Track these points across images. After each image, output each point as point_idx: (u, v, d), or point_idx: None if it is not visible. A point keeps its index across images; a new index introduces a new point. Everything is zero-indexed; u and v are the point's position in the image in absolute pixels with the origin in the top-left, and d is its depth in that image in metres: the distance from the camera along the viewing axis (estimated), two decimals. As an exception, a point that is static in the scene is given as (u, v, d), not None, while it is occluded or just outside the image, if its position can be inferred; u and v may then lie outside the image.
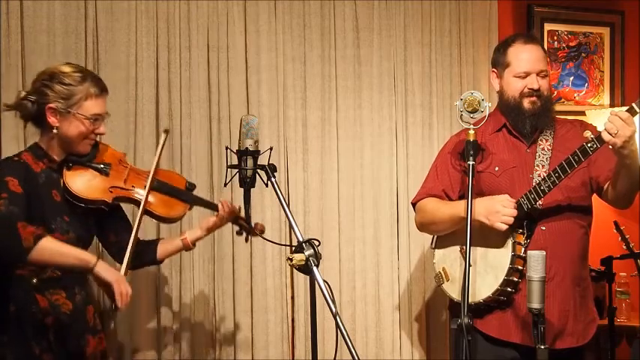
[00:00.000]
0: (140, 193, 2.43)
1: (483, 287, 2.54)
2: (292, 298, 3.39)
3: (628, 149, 2.34)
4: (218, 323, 3.24)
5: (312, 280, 2.08)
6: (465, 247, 2.34)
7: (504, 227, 2.45)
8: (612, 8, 4.14)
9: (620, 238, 3.43)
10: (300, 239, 2.10)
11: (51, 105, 2.27)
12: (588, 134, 2.39)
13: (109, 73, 3.01)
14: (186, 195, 2.57)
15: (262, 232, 2.68)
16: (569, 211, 2.57)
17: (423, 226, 2.81)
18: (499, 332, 2.57)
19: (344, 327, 1.99)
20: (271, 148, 2.30)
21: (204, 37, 3.23)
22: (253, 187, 2.24)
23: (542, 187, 2.47)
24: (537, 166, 2.59)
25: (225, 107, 3.26)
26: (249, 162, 2.21)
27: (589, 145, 2.37)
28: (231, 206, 2.61)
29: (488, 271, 2.54)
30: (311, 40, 3.42)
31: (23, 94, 2.31)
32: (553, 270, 2.50)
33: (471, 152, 2.44)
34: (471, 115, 2.51)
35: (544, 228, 2.55)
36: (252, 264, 3.29)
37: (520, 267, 2.49)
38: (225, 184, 2.33)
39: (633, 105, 2.33)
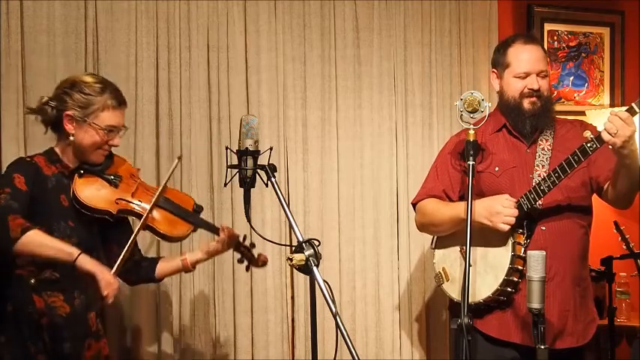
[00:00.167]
0: (145, 209, 2.45)
1: (483, 287, 2.54)
2: (292, 298, 3.39)
3: (628, 149, 2.33)
4: (218, 323, 3.24)
5: (312, 280, 2.08)
6: (465, 247, 2.34)
7: (507, 228, 2.45)
8: (612, 8, 4.14)
9: (620, 238, 3.42)
10: (300, 239, 2.09)
11: (68, 112, 2.33)
12: (588, 134, 2.39)
13: (109, 73, 3.00)
14: (191, 216, 2.57)
15: (265, 264, 2.70)
16: (569, 211, 2.57)
17: (423, 227, 2.81)
18: (499, 332, 2.57)
19: (344, 327, 1.99)
20: (271, 148, 2.30)
21: (204, 37, 3.23)
22: (253, 187, 2.24)
23: (542, 187, 2.47)
24: (537, 166, 2.59)
25: (225, 107, 3.26)
26: (249, 162, 2.21)
27: (589, 145, 2.37)
28: (232, 232, 2.60)
29: (488, 271, 2.54)
30: (311, 40, 3.43)
31: (45, 99, 2.38)
32: (553, 270, 2.50)
33: (471, 152, 2.44)
34: (471, 115, 2.51)
35: (544, 228, 2.55)
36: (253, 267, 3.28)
37: (520, 267, 2.49)
38: (225, 184, 2.32)
39: (633, 105, 2.33)
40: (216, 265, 3.24)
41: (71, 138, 2.34)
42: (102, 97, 2.34)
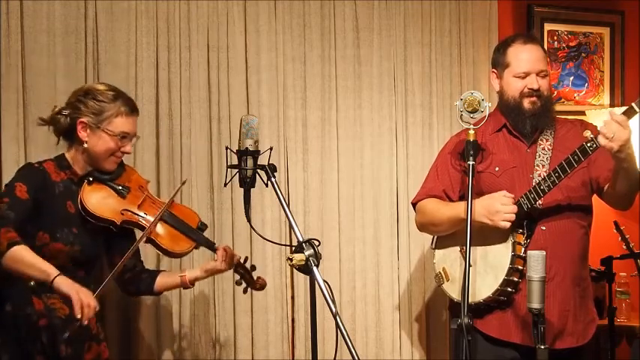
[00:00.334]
0: (150, 221, 2.45)
1: (483, 287, 2.54)
2: (292, 298, 3.39)
3: (625, 152, 2.33)
4: (218, 323, 3.24)
5: (312, 280, 2.08)
6: (465, 248, 2.34)
7: (508, 225, 2.45)
8: (612, 8, 4.13)
9: (620, 238, 3.42)
10: (300, 239, 2.10)
11: (82, 119, 2.37)
12: (588, 134, 2.39)
13: (109, 73, 3.01)
14: (194, 234, 2.57)
15: (263, 287, 2.69)
16: (569, 211, 2.57)
17: (423, 227, 2.81)
18: (499, 332, 2.57)
19: (344, 327, 1.99)
20: (271, 148, 2.30)
21: (204, 37, 3.23)
22: (253, 187, 2.24)
23: (542, 187, 2.47)
24: (537, 166, 2.59)
25: (225, 107, 3.26)
26: (249, 162, 2.21)
27: (589, 144, 2.37)
28: (231, 253, 2.59)
29: (488, 271, 2.54)
30: (311, 40, 3.42)
31: (58, 108, 2.42)
32: (553, 270, 2.51)
33: (471, 152, 2.44)
34: (471, 115, 2.51)
35: (544, 228, 2.55)
36: (252, 264, 3.28)
37: (520, 267, 2.49)
38: (225, 184, 2.33)
39: (633, 105, 2.33)
40: (216, 265, 3.23)
41: (85, 145, 2.37)
42: (115, 104, 2.39)
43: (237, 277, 2.66)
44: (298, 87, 3.41)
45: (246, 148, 2.21)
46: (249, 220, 2.26)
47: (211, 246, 2.63)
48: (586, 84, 4.09)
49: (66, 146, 2.45)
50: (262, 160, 2.23)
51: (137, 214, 2.45)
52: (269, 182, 2.22)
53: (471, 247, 2.33)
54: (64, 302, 2.31)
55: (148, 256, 2.93)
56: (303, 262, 2.06)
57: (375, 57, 3.54)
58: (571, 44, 4.05)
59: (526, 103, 2.60)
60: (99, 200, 2.40)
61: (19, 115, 2.88)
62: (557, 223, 2.56)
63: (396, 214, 3.57)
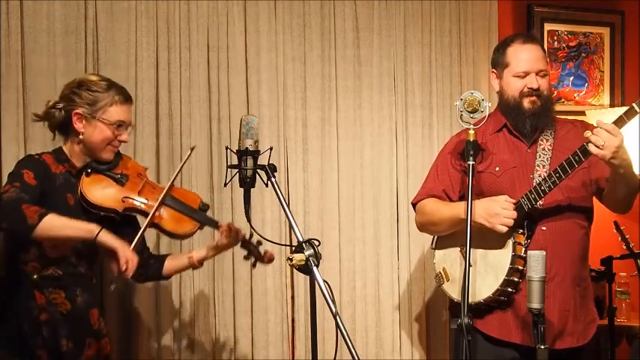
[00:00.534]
0: (151, 207, 2.46)
1: (484, 287, 2.54)
2: (292, 298, 3.39)
3: (619, 159, 2.33)
4: (218, 323, 3.24)
5: (312, 280, 2.08)
6: (465, 248, 2.34)
7: (504, 229, 2.45)
8: (612, 8, 4.13)
9: (620, 238, 3.42)
10: (300, 239, 2.10)
11: (77, 111, 2.37)
12: (588, 134, 2.38)
13: (109, 73, 2.99)
14: (197, 214, 2.57)
15: (271, 260, 2.68)
16: (570, 212, 2.57)
17: (423, 227, 2.81)
18: (499, 332, 2.57)
19: (344, 327, 1.99)
20: (271, 148, 2.30)
21: (204, 37, 3.23)
22: (253, 187, 2.24)
23: (542, 187, 2.47)
24: (538, 166, 2.59)
25: (225, 107, 3.26)
26: (249, 162, 2.21)
27: (589, 144, 2.37)
28: (235, 228, 2.59)
29: (489, 271, 2.54)
30: (311, 40, 3.42)
31: (51, 103, 2.42)
32: (553, 270, 2.50)
33: (471, 152, 2.44)
34: (471, 115, 2.51)
35: (544, 228, 2.55)
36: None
37: (520, 267, 2.49)
38: (225, 184, 2.33)
39: (634, 105, 2.33)
40: (216, 265, 3.23)
41: (81, 136, 2.38)
42: (109, 93, 2.40)
43: (245, 252, 2.66)
44: (298, 87, 3.41)
45: (246, 148, 2.21)
46: (249, 220, 2.26)
47: (215, 225, 2.63)
48: (586, 84, 4.09)
49: (62, 140, 2.45)
50: (262, 160, 2.24)
51: (138, 200, 2.46)
52: (269, 182, 2.22)
53: (471, 248, 2.33)
54: (67, 298, 2.33)
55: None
56: (303, 262, 2.07)
57: (375, 57, 3.54)
58: (571, 44, 4.05)
59: (526, 103, 2.60)
60: (99, 190, 2.41)
61: (19, 115, 2.89)
62: (558, 224, 2.56)
63: (396, 214, 3.57)
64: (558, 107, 3.64)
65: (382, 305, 3.52)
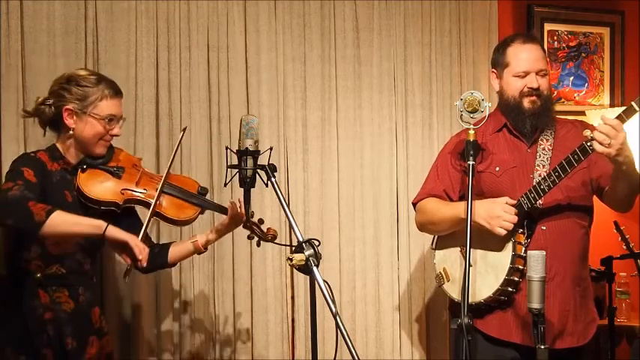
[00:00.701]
0: (151, 196, 2.46)
1: (484, 287, 2.54)
2: (292, 298, 3.39)
3: (623, 156, 2.33)
4: (218, 323, 3.24)
5: (312, 280, 2.08)
6: (465, 248, 2.34)
7: (504, 232, 2.45)
8: (612, 8, 4.14)
9: (620, 238, 3.42)
10: (300, 239, 2.10)
11: (68, 106, 2.36)
12: (588, 133, 2.38)
13: (109, 73, 2.99)
14: (197, 198, 2.59)
15: (274, 237, 2.68)
16: (570, 211, 2.57)
17: (423, 227, 2.81)
18: (499, 332, 2.57)
19: (344, 327, 1.99)
20: (271, 148, 2.30)
21: (204, 37, 3.23)
22: (253, 187, 2.24)
23: (542, 187, 2.47)
24: (538, 165, 2.59)
25: (225, 107, 3.26)
26: (249, 162, 2.22)
27: (588, 144, 2.37)
28: (238, 208, 2.59)
29: (489, 271, 2.54)
30: (311, 40, 3.42)
31: (41, 99, 2.41)
32: (553, 270, 2.50)
33: (471, 152, 2.44)
34: (471, 115, 2.51)
35: (544, 228, 2.55)
36: (252, 264, 3.29)
37: (521, 266, 2.49)
38: (225, 184, 2.33)
39: (632, 103, 2.33)
40: (216, 265, 3.24)
41: (72, 132, 2.37)
42: (98, 88, 2.38)
43: (248, 232, 2.65)
44: (298, 87, 3.41)
45: (246, 148, 2.21)
46: (249, 220, 2.26)
47: (218, 207, 2.64)
48: (586, 84, 4.09)
49: (55, 137, 2.44)
50: (262, 160, 2.24)
51: (137, 191, 2.47)
52: (269, 182, 2.22)
53: (472, 247, 2.33)
54: (70, 296, 2.34)
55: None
56: (303, 262, 2.07)
57: (375, 57, 3.54)
58: (571, 44, 4.05)
59: (526, 103, 2.60)
60: (96, 185, 2.41)
61: (19, 115, 2.88)
62: (558, 223, 2.56)
63: (396, 214, 3.57)
64: (558, 107, 3.64)
65: (382, 305, 3.52)
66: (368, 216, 3.51)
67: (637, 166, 2.46)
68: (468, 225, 2.33)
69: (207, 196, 2.66)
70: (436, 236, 2.80)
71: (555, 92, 3.94)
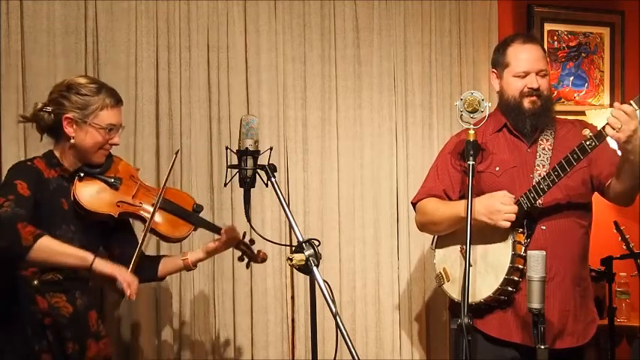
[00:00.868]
0: (147, 210, 2.45)
1: (484, 287, 2.54)
2: (292, 298, 3.39)
3: (632, 144, 2.33)
4: (218, 323, 3.24)
5: (312, 280, 2.08)
6: (465, 247, 2.34)
7: (507, 225, 2.45)
8: (612, 8, 4.14)
9: (620, 238, 3.43)
10: (300, 239, 2.10)
11: (68, 115, 2.33)
12: (587, 132, 2.38)
13: (109, 73, 3.01)
14: (192, 217, 2.58)
15: (264, 260, 2.72)
16: (569, 211, 2.57)
17: (423, 226, 2.81)
18: (499, 332, 2.57)
19: (344, 327, 1.99)
20: (271, 148, 2.30)
21: (204, 37, 3.23)
22: (253, 187, 2.24)
23: (541, 186, 2.47)
24: (538, 165, 2.59)
25: (225, 107, 3.26)
26: (249, 162, 2.21)
27: (587, 143, 2.37)
28: (234, 232, 2.61)
29: (489, 270, 2.54)
30: (311, 40, 3.42)
31: (40, 105, 2.37)
32: (553, 270, 2.50)
33: (471, 152, 2.44)
34: (471, 115, 2.51)
35: (544, 227, 2.55)
36: (252, 264, 3.28)
37: (520, 266, 2.49)
38: (225, 184, 2.33)
39: (632, 102, 2.33)
40: (216, 265, 3.24)
41: (72, 141, 2.34)
42: (99, 97, 2.35)
43: (239, 253, 2.67)
44: (298, 87, 3.41)
45: (246, 148, 2.21)
46: (249, 220, 2.26)
47: (211, 227, 2.64)
48: (586, 84, 4.09)
49: (52, 142, 2.41)
50: (262, 160, 2.23)
51: (133, 205, 2.45)
52: (269, 182, 2.22)
53: (471, 247, 2.33)
54: (68, 301, 2.32)
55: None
56: (303, 262, 2.07)
57: (375, 57, 3.54)
58: (571, 44, 4.05)
59: (526, 103, 2.60)
60: (93, 195, 2.38)
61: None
62: (557, 223, 2.56)
63: (396, 214, 3.57)
64: (558, 107, 3.64)
65: (382, 305, 3.52)
66: (368, 216, 3.51)
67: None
68: (468, 225, 2.33)
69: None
70: (436, 236, 2.80)
71: (555, 92, 3.94)
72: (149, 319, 3.10)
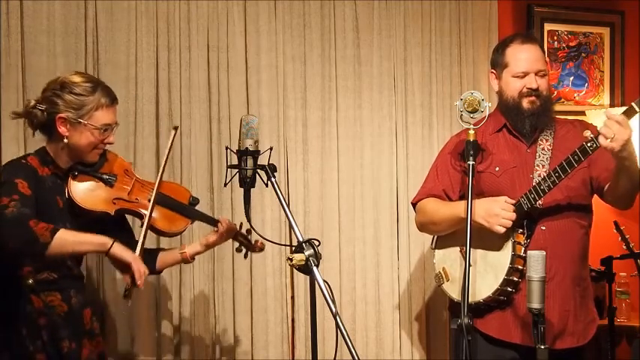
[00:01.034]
0: (144, 206, 2.44)
1: (483, 287, 2.54)
2: (292, 298, 3.39)
3: (626, 152, 2.33)
4: (218, 323, 3.24)
5: (312, 280, 2.08)
6: (465, 247, 2.34)
7: (502, 230, 2.45)
8: (612, 8, 4.14)
9: (620, 238, 3.42)
10: (300, 239, 2.10)
11: (61, 115, 2.28)
12: (588, 133, 2.38)
13: (109, 73, 3.01)
14: (188, 210, 2.57)
15: (262, 249, 2.73)
16: (569, 211, 2.57)
17: (423, 226, 2.81)
18: (499, 332, 2.57)
19: (344, 327, 1.99)
20: (271, 148, 2.30)
21: (204, 37, 3.23)
22: (253, 187, 2.24)
23: (542, 187, 2.47)
24: (537, 166, 2.59)
25: (225, 107, 3.26)
26: (249, 162, 2.21)
27: (589, 144, 2.37)
28: (231, 224, 2.61)
29: (489, 270, 2.54)
30: (311, 40, 3.42)
31: (33, 102, 2.32)
32: (553, 270, 2.50)
33: (471, 152, 2.44)
34: (471, 115, 2.51)
35: (544, 228, 2.55)
36: (252, 264, 3.29)
37: (520, 266, 2.49)
38: (225, 184, 2.33)
39: (633, 104, 2.33)
40: (216, 265, 3.24)
41: (65, 140, 2.30)
42: (94, 97, 2.30)
43: (237, 244, 2.68)
44: (298, 87, 3.41)
45: (246, 148, 2.21)
46: (249, 220, 2.26)
47: (209, 219, 2.64)
48: (586, 84, 4.09)
49: (45, 139, 2.36)
50: (262, 160, 2.23)
51: (130, 201, 2.43)
52: (269, 182, 2.22)
53: (471, 247, 2.33)
54: (63, 300, 2.32)
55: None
56: (303, 262, 2.07)
57: (375, 57, 3.54)
58: (571, 44, 4.05)
59: (525, 103, 2.60)
60: (88, 193, 2.36)
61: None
62: (557, 223, 2.56)
63: (396, 214, 3.57)
64: (558, 107, 3.65)
65: (382, 305, 3.52)
66: (368, 216, 3.51)
67: (639, 164, 2.46)
68: (468, 225, 2.33)
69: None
70: (436, 236, 2.80)
71: (555, 92, 3.94)
72: (149, 319, 3.11)
